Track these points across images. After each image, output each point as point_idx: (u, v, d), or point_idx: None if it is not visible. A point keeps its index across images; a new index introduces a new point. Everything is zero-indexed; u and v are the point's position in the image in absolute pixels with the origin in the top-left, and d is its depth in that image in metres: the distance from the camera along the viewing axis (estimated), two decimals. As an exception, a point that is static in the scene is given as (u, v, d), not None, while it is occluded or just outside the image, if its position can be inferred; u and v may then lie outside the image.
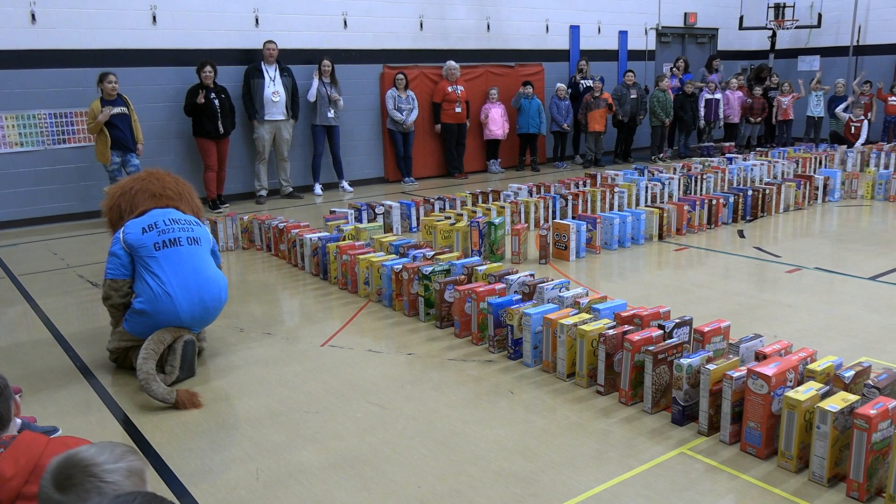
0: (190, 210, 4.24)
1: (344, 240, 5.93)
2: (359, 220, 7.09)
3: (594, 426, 3.30)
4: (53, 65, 8.03)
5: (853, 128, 12.05)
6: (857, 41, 13.70)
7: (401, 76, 10.17)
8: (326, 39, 9.88)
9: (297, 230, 6.21)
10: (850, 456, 2.70)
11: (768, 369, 2.98)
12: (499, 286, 4.38)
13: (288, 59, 9.30)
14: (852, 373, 3.08)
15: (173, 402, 3.55)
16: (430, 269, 4.67)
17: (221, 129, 8.55)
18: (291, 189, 9.52)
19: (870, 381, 2.97)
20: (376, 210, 7.25)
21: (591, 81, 11.83)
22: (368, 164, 10.60)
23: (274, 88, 9.01)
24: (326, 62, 9.42)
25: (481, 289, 4.29)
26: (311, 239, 5.87)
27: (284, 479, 2.92)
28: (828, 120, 12.79)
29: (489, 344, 4.18)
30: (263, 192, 9.30)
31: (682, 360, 3.27)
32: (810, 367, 3.15)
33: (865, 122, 12.07)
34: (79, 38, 8.04)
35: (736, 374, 3.06)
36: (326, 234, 6.07)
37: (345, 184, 10.05)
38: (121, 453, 1.49)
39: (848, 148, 10.87)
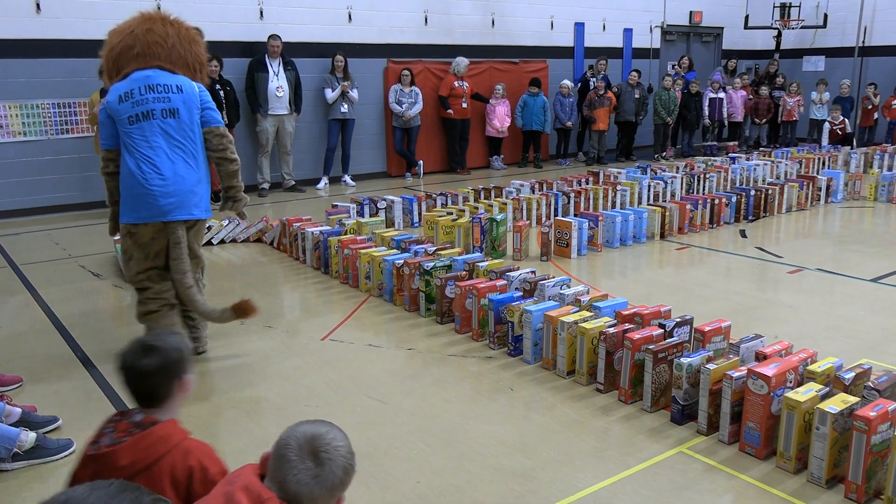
0: (183, 66, 3.80)
1: (345, 234, 5.93)
2: (360, 214, 7.09)
3: (593, 424, 3.30)
4: (57, 55, 8.03)
5: (836, 132, 12.10)
6: (863, 42, 13.66)
7: (406, 72, 10.17)
8: (331, 33, 9.87)
9: (298, 223, 6.20)
10: (849, 457, 2.70)
11: (768, 370, 2.98)
12: (500, 283, 4.38)
13: (292, 52, 9.29)
14: (853, 374, 3.08)
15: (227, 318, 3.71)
16: (431, 264, 4.67)
17: (225, 120, 8.54)
18: (294, 182, 9.52)
19: (870, 384, 2.97)
20: (378, 204, 7.24)
21: (605, 79, 11.80)
22: (371, 158, 10.59)
23: (278, 83, 9.00)
24: (339, 57, 9.47)
25: (482, 285, 4.29)
26: (312, 233, 5.87)
27: (283, 472, 2.92)
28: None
29: (489, 340, 4.18)
30: (266, 186, 9.30)
31: (682, 359, 3.27)
32: (810, 368, 3.15)
33: (847, 121, 12.13)
34: (82, 28, 8.03)
35: (736, 374, 3.06)
36: (328, 227, 6.07)
37: (347, 178, 10.06)
38: (344, 435, 1.64)
39: (851, 149, 10.85)
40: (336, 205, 7.24)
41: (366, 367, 3.94)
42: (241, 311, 3.63)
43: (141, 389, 1.94)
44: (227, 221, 6.79)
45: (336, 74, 9.55)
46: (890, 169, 9.85)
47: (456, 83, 10.60)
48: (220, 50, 8.71)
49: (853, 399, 2.84)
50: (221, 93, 8.47)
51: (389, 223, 7.19)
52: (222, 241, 6.70)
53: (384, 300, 5.05)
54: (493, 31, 11.46)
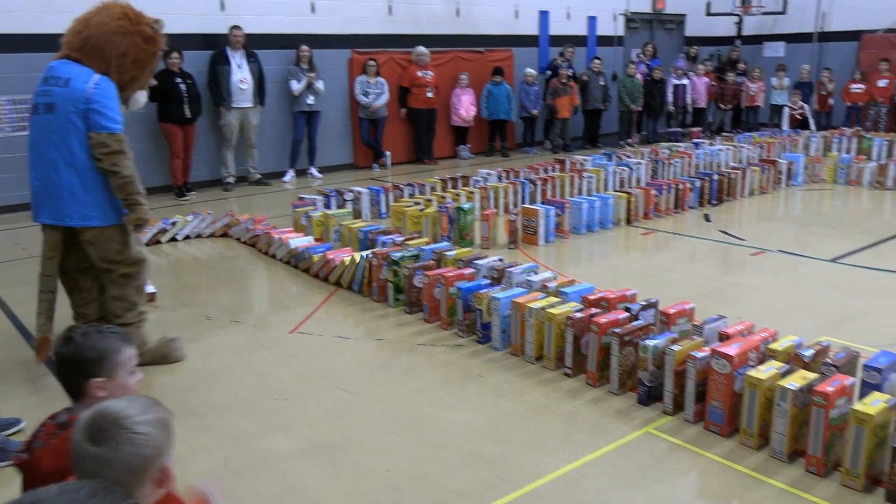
0: (97, 59, 3.50)
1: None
2: (327, 206, 7.04)
3: (562, 408, 3.34)
4: (11, 50, 7.83)
5: (796, 116, 12.31)
6: (821, 28, 13.89)
7: (371, 62, 10.12)
8: (294, 24, 9.77)
9: (275, 234, 6.00)
10: (809, 432, 2.77)
11: (731, 349, 3.04)
12: (468, 271, 4.40)
13: (255, 44, 9.17)
14: (812, 352, 3.15)
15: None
16: (399, 254, 4.67)
17: (187, 113, 8.42)
18: (259, 176, 9.43)
19: (828, 360, 3.04)
20: (345, 196, 7.21)
21: (571, 69, 11.85)
22: (337, 150, 10.52)
23: (241, 76, 8.89)
24: (305, 48, 9.40)
25: (450, 274, 4.31)
26: (291, 247, 5.66)
27: (254, 466, 2.92)
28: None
29: (458, 328, 4.20)
30: (231, 180, 9.19)
31: (647, 341, 3.32)
32: (772, 346, 3.22)
33: (806, 106, 12.36)
34: (37, 22, 7.83)
35: (700, 355, 3.12)
36: (307, 238, 5.92)
37: (313, 170, 9.99)
38: (147, 405, 1.49)
39: (811, 133, 11.06)
40: (302, 197, 7.19)
41: (335, 359, 3.93)
42: (39, 348, 3.69)
43: (59, 377, 1.94)
44: (191, 216, 6.71)
45: (301, 66, 9.47)
46: (848, 152, 10.05)
47: (419, 73, 10.57)
48: (181, 42, 8.56)
49: (812, 375, 2.91)
50: (183, 86, 8.35)
51: (357, 215, 7.16)
52: (187, 237, 6.62)
53: (353, 292, 5.04)
54: (459, 20, 11.44)
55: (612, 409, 3.31)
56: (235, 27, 8.86)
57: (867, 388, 2.93)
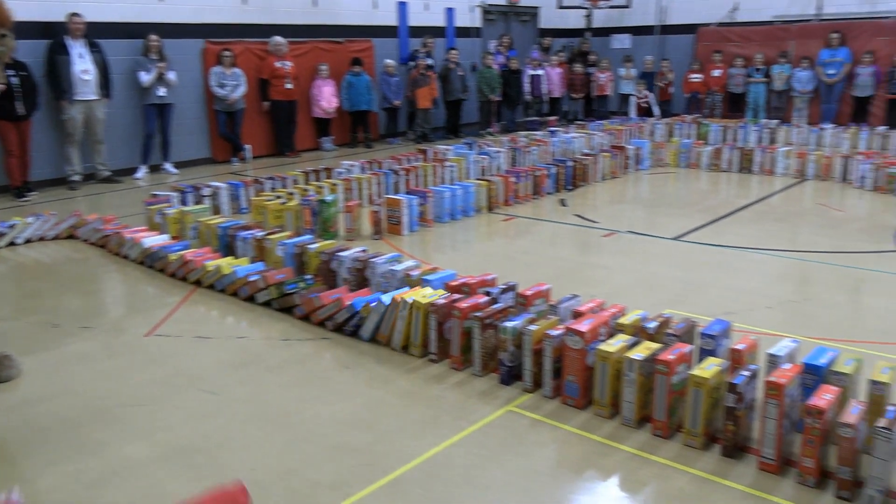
0: None
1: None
2: (184, 202, 6.76)
3: (428, 393, 3.40)
4: None
5: (641, 105, 13.17)
6: (662, 21, 14.80)
7: (227, 53, 9.79)
8: (140, 12, 9.26)
9: (127, 234, 5.69)
10: (654, 398, 2.98)
11: (583, 326, 3.21)
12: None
13: (97, 33, 8.62)
14: (656, 324, 3.38)
15: None
16: (294, 286, 4.55)
17: (20, 109, 7.79)
18: (109, 173, 8.90)
19: (670, 330, 3.28)
20: (202, 192, 6.95)
21: (430, 59, 11.95)
22: (194, 144, 10.10)
23: (83, 66, 8.35)
24: (154, 37, 8.95)
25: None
26: (145, 247, 5.38)
27: (109, 477, 2.78)
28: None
29: (329, 323, 4.16)
30: (77, 178, 8.62)
31: (506, 323, 3.44)
32: (620, 321, 3.43)
33: (651, 95, 13.22)
34: None
35: (555, 333, 3.27)
36: (163, 237, 5.63)
37: (168, 165, 9.55)
38: None
39: (656, 119, 11.79)
40: (156, 194, 6.87)
41: (195, 360, 3.80)
42: None
43: None
44: (32, 218, 6.24)
45: (150, 56, 9.01)
46: (688, 137, 10.79)
47: (277, 64, 10.33)
48: (14, 30, 7.90)
49: (656, 345, 3.13)
50: (15, 79, 7.69)
51: (216, 210, 6.92)
52: (28, 241, 6.15)
53: (215, 290, 4.87)
54: (316, 10, 11.27)
55: (476, 390, 3.41)
56: (74, 14, 8.30)
57: (704, 354, 3.19)
